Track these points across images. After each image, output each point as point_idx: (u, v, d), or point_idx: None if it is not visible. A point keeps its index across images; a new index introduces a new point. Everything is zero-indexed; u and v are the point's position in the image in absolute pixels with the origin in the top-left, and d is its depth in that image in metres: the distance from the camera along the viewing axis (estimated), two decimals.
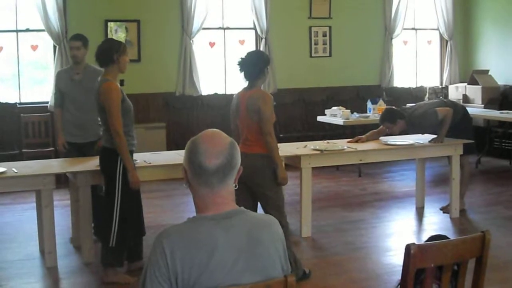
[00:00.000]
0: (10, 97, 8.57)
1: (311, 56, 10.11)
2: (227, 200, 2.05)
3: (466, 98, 10.20)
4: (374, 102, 9.11)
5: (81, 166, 5.25)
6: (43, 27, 8.39)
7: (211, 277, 1.91)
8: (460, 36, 11.12)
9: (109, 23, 8.83)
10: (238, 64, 4.62)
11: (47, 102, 8.43)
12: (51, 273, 5.03)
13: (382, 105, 8.98)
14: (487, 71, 10.40)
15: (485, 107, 9.77)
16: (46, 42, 8.63)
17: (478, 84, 10.11)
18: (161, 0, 9.16)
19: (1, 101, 8.41)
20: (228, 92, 9.71)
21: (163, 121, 9.10)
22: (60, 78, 5.97)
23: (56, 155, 7.46)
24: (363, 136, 6.52)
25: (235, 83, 9.76)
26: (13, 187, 5.30)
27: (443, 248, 2.34)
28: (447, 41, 11.03)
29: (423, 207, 6.91)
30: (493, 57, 10.62)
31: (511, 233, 5.97)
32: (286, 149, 5.92)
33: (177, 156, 5.56)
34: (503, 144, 9.82)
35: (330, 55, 10.22)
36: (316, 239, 5.83)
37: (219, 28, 9.70)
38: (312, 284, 4.73)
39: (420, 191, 6.98)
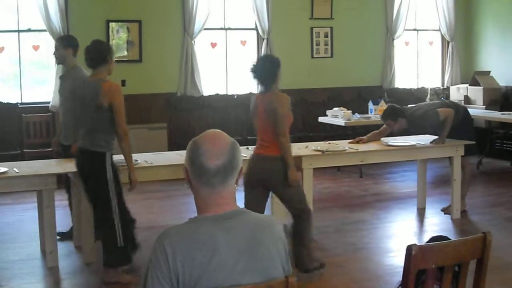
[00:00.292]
0: (11, 97, 8.57)
1: (312, 57, 10.11)
2: (228, 200, 2.05)
3: (467, 99, 10.20)
4: (376, 103, 9.11)
5: None
6: (44, 27, 8.39)
7: (212, 278, 1.91)
8: (462, 37, 11.11)
9: (110, 24, 8.83)
10: (252, 71, 4.64)
11: (48, 102, 8.43)
12: (52, 273, 5.04)
13: (383, 106, 8.97)
14: (489, 72, 10.40)
15: (486, 108, 9.76)
16: (48, 42, 8.63)
17: (479, 85, 10.11)
18: (163, 0, 9.17)
19: (3, 101, 8.42)
20: (229, 93, 9.72)
21: (165, 122, 9.10)
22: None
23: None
24: (364, 137, 6.52)
25: (236, 84, 9.79)
26: (14, 187, 5.30)
27: (444, 249, 2.34)
28: (448, 42, 11.02)
29: (424, 208, 6.91)
30: (494, 58, 10.61)
31: None
32: None
33: (179, 157, 5.56)
34: (504, 145, 9.82)
35: (332, 56, 10.23)
36: (317, 240, 5.82)
37: (221, 28, 9.70)
38: (313, 284, 4.72)
39: (421, 192, 6.98)
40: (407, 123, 6.44)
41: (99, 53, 4.64)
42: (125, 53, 8.98)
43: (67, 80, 5.63)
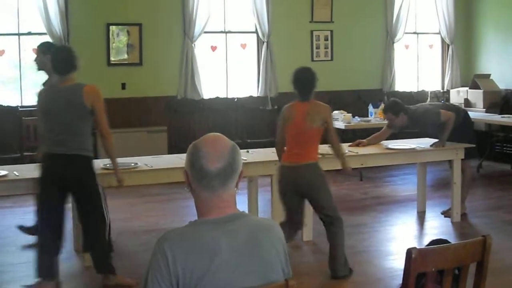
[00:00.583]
0: (11, 100, 8.58)
1: (312, 60, 10.11)
2: (229, 203, 2.05)
3: (467, 103, 10.20)
4: (376, 106, 9.11)
5: None
6: (45, 31, 8.41)
7: (213, 281, 1.91)
8: (462, 40, 11.12)
9: (111, 27, 8.84)
10: (294, 83, 4.97)
11: None
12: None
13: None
14: (489, 75, 10.40)
15: (486, 112, 9.77)
16: None
17: (479, 89, 10.11)
18: (163, 3, 9.18)
19: (3, 104, 8.43)
20: (229, 96, 9.72)
21: (165, 125, 9.10)
22: None
23: None
24: (364, 140, 6.52)
25: (236, 87, 9.79)
26: (14, 190, 5.29)
27: (444, 252, 2.34)
28: (448, 45, 11.03)
29: (424, 211, 6.91)
30: (494, 61, 10.62)
31: None
32: None
33: (179, 160, 5.56)
34: (505, 148, 9.82)
35: (332, 59, 10.24)
36: (317, 243, 5.82)
37: (221, 32, 9.71)
38: None
39: (421, 195, 6.98)
40: (408, 120, 6.42)
41: (71, 59, 4.60)
42: (126, 56, 8.99)
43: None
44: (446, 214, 6.70)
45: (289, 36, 9.91)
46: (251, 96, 9.79)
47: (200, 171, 2.00)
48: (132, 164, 5.35)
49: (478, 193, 7.80)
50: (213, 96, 9.58)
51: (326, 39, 10.19)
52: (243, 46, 9.85)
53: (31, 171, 5.19)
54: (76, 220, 5.62)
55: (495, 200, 7.57)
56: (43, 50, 5.69)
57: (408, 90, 10.85)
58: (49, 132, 4.58)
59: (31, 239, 5.81)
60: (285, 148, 4.93)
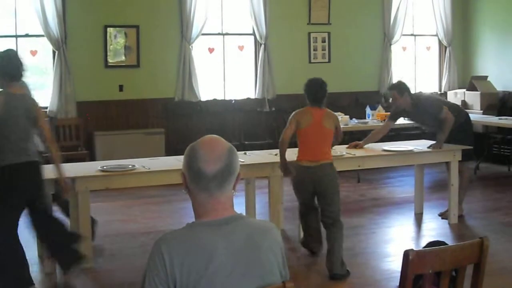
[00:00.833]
0: None
1: (310, 62, 10.13)
2: (226, 205, 2.05)
3: (465, 104, 10.20)
4: (373, 108, 9.13)
5: (80, 171, 5.24)
6: (42, 33, 8.40)
7: (210, 283, 1.92)
8: (459, 42, 11.14)
9: (108, 29, 8.84)
10: (309, 90, 5.17)
11: (46, 108, 8.42)
12: (49, 278, 5.03)
13: (381, 111, 9.00)
14: (486, 77, 10.42)
15: (483, 113, 9.78)
16: (45, 48, 8.64)
17: (476, 90, 10.13)
18: (160, 5, 9.18)
19: None
20: (227, 98, 9.73)
21: (162, 127, 9.11)
22: None
23: None
24: (360, 142, 6.53)
25: (234, 89, 9.80)
26: None
27: (441, 254, 2.34)
28: (446, 47, 11.05)
29: (421, 213, 6.91)
30: (492, 63, 10.64)
31: (510, 239, 5.97)
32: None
33: (176, 162, 5.55)
34: (502, 150, 9.82)
35: (329, 61, 10.24)
36: None
37: (218, 34, 9.72)
38: None
39: (418, 197, 6.98)
40: (411, 105, 6.40)
41: (22, 68, 4.58)
42: (123, 58, 8.99)
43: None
44: (443, 216, 6.70)
45: (287, 38, 9.92)
46: (248, 98, 9.79)
47: (197, 173, 2.00)
48: (130, 166, 5.35)
49: (476, 194, 7.80)
50: (210, 98, 9.58)
51: (323, 41, 10.20)
52: (241, 48, 9.85)
53: None
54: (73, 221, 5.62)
55: (493, 202, 7.58)
56: None
57: None
58: (6, 140, 4.46)
59: (28, 244, 5.79)
60: (295, 149, 5.27)
